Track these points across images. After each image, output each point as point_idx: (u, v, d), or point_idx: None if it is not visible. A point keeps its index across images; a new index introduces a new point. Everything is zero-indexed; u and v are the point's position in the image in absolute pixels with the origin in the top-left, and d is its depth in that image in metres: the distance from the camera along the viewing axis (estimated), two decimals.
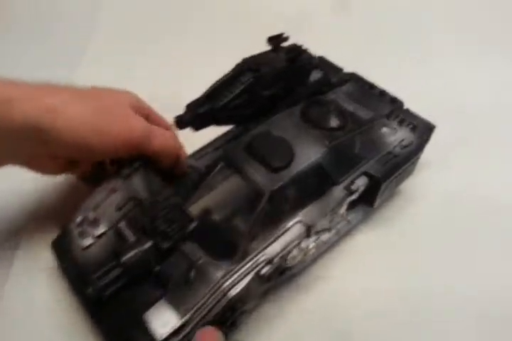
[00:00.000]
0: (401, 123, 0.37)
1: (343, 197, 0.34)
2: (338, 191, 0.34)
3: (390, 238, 0.37)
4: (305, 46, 0.36)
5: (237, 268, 0.30)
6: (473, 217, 0.39)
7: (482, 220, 0.38)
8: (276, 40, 0.35)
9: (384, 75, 0.48)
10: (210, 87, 0.34)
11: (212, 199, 0.33)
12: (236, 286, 0.29)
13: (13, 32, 0.55)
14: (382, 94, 0.39)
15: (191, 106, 0.33)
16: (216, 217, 0.33)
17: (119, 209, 0.33)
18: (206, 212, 0.33)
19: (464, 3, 0.57)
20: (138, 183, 0.33)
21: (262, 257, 0.31)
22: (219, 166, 0.33)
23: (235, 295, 0.29)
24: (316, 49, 0.51)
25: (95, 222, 0.33)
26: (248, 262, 0.30)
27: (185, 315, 0.28)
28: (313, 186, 0.33)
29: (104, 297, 0.29)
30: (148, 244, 0.30)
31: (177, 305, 0.29)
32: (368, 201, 0.36)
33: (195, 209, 0.32)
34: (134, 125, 0.32)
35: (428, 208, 0.39)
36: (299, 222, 0.32)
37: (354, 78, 0.40)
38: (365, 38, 0.53)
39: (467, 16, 0.56)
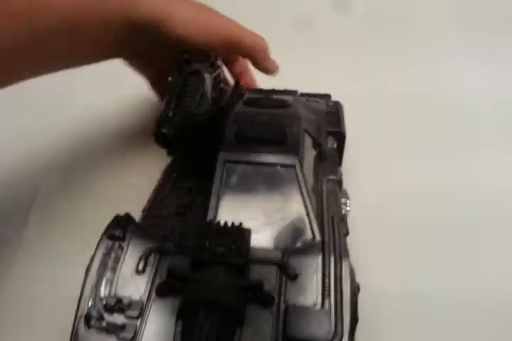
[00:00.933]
0: (315, 98, 0.41)
1: (333, 156, 0.36)
2: (327, 151, 0.35)
3: None
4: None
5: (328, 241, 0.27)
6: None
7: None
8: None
9: (385, 75, 0.48)
10: (169, 99, 0.31)
11: (235, 209, 0.29)
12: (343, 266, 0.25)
13: None
14: (274, 90, 0.40)
15: (165, 120, 0.30)
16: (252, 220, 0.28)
17: (140, 271, 0.25)
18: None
19: (466, 3, 0.57)
20: (138, 237, 0.27)
21: (336, 219, 0.29)
22: (223, 166, 0.30)
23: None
24: (316, 49, 0.52)
25: (120, 305, 0.24)
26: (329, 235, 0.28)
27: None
28: (312, 148, 0.34)
29: None
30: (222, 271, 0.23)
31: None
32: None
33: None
34: (232, 23, 0.37)
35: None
36: (330, 180, 0.33)
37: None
38: (366, 37, 0.53)
39: (468, 15, 0.56)
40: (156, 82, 0.41)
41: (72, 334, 0.24)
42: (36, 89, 0.48)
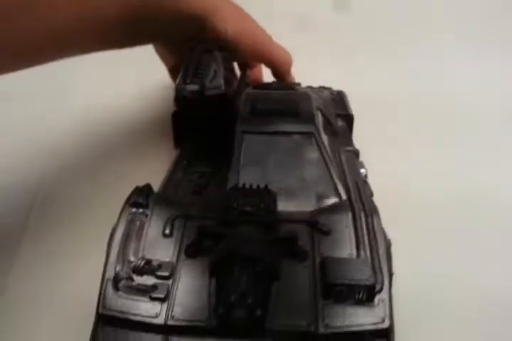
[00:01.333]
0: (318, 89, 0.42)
1: (345, 134, 0.36)
2: (339, 129, 0.36)
3: None
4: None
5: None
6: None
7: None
8: None
9: (384, 75, 0.48)
10: (185, 70, 0.32)
11: (255, 177, 0.28)
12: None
13: None
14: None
15: (185, 83, 0.30)
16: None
17: (168, 235, 0.25)
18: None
19: (466, 2, 0.57)
20: (161, 204, 0.27)
21: (360, 182, 0.29)
22: (241, 137, 0.30)
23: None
24: (316, 49, 0.52)
25: (149, 266, 0.23)
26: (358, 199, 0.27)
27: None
28: (324, 125, 0.33)
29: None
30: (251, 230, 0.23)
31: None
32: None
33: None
34: (266, 33, 0.39)
35: None
36: (347, 151, 0.33)
37: None
38: (366, 37, 0.53)
39: (469, 15, 0.56)
40: (175, 70, 0.41)
41: (99, 299, 0.22)
42: (35, 88, 0.48)
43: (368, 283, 0.22)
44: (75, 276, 0.33)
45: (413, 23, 0.55)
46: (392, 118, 0.44)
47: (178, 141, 0.35)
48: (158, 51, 0.41)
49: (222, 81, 0.31)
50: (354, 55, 0.50)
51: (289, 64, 0.40)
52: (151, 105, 0.45)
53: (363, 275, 0.22)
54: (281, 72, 0.40)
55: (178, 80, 0.31)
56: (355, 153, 0.34)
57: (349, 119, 0.38)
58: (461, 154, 0.42)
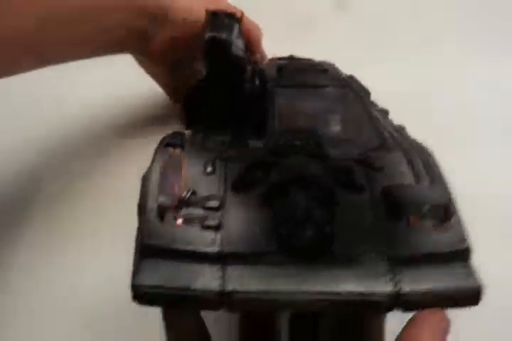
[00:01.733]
0: None
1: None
2: None
3: None
4: None
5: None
6: None
7: None
8: None
9: (384, 74, 0.48)
10: (213, 22, 0.31)
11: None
12: None
13: None
14: None
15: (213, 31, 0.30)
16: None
17: (210, 173, 0.22)
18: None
19: (467, 2, 0.57)
20: (197, 146, 0.25)
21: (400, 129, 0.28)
22: (273, 91, 0.29)
23: None
24: (316, 49, 0.52)
25: (196, 197, 0.21)
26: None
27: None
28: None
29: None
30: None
31: None
32: None
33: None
34: (235, 7, 0.37)
35: None
36: (377, 110, 0.31)
37: None
38: (366, 37, 0.53)
39: (469, 14, 0.56)
40: (171, 89, 0.41)
41: (141, 229, 0.20)
42: (35, 88, 0.48)
43: (443, 201, 0.21)
44: (74, 272, 0.34)
45: (414, 23, 0.55)
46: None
47: (190, 122, 0.34)
48: (142, 65, 0.40)
49: (243, 47, 0.31)
50: (354, 54, 0.50)
51: (261, 38, 0.40)
52: (150, 104, 0.45)
53: (435, 195, 0.21)
54: (254, 46, 0.40)
55: (206, 29, 0.30)
56: (385, 113, 0.32)
57: (367, 95, 0.36)
58: (460, 154, 0.42)
